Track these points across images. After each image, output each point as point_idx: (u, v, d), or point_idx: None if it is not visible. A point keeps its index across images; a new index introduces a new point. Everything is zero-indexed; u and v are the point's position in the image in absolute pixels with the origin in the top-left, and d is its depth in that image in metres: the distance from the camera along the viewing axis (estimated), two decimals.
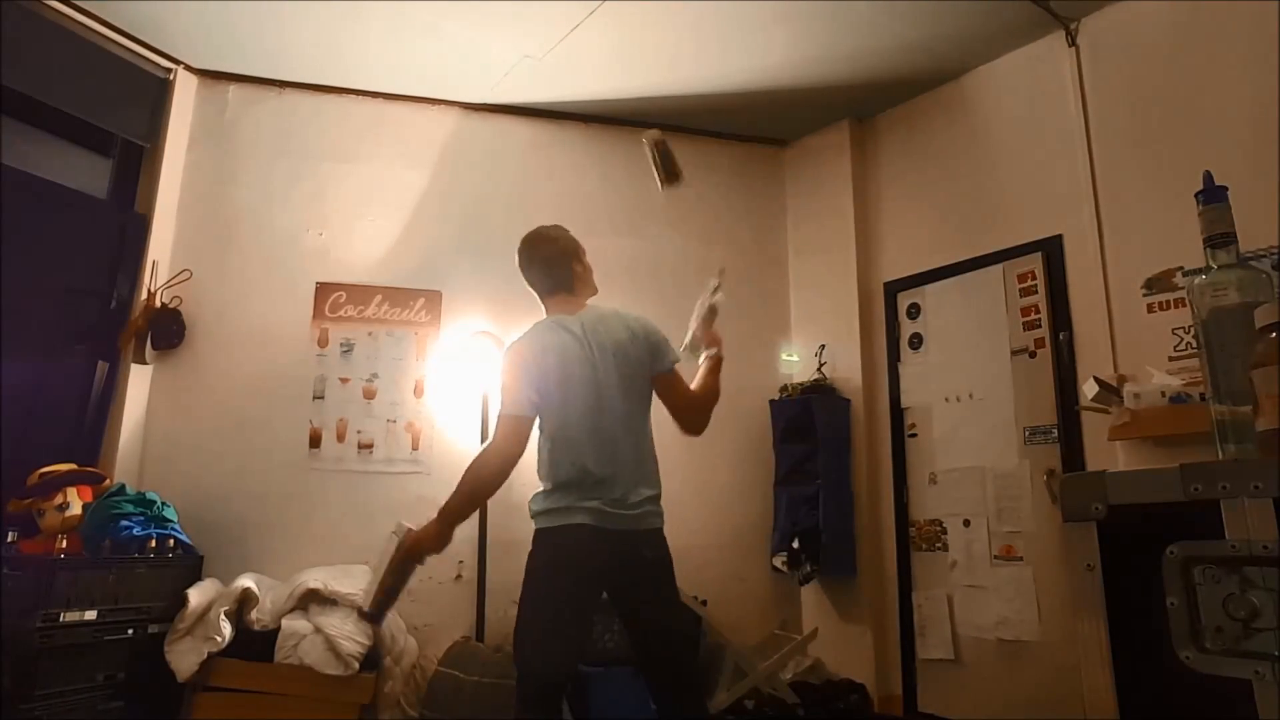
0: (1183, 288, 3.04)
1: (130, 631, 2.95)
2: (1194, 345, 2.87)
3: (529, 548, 2.16)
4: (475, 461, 2.14)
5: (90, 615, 2.83)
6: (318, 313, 3.92)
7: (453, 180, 4.22)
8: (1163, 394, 2.85)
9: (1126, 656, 0.91)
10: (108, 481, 3.28)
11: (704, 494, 4.15)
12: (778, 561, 4.02)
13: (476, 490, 2.16)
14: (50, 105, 3.45)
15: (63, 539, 2.98)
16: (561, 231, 2.41)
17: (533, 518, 2.17)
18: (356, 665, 3.04)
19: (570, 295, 2.35)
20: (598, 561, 2.09)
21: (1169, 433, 2.78)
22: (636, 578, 2.14)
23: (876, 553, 4.01)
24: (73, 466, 3.20)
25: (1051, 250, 3.56)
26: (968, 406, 3.77)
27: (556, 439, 2.16)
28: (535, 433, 2.21)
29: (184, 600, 3.02)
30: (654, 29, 3.64)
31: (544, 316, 2.32)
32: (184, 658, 2.94)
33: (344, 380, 3.89)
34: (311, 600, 3.17)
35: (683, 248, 4.47)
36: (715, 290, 2.43)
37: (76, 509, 3.08)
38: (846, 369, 4.25)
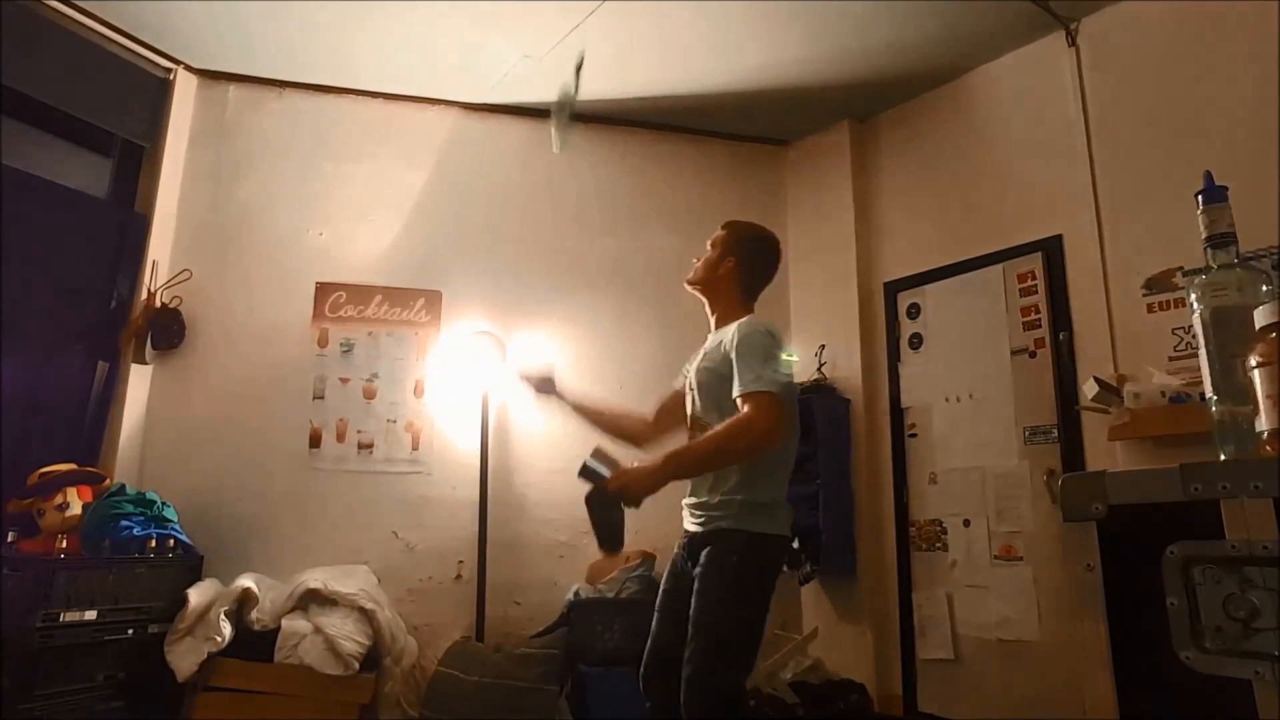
0: (1183, 288, 3.04)
1: (130, 631, 2.95)
2: (1194, 345, 2.87)
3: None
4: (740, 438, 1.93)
5: (90, 615, 2.83)
6: (318, 313, 3.92)
7: (453, 180, 4.22)
8: (1163, 394, 2.85)
9: (1126, 656, 0.91)
10: (108, 481, 3.28)
11: None
12: None
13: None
14: (50, 105, 3.45)
15: (63, 539, 2.98)
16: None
17: (750, 513, 2.00)
18: (356, 665, 3.04)
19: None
20: None
21: (1169, 433, 2.78)
22: None
23: (876, 553, 4.01)
24: (73, 466, 3.20)
25: (1051, 250, 3.56)
26: (968, 406, 3.77)
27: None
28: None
29: (184, 600, 3.02)
30: (654, 29, 3.64)
31: (750, 315, 2.19)
32: (184, 658, 2.94)
33: (344, 380, 3.88)
34: (311, 600, 3.17)
35: (683, 247, 4.45)
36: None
37: (76, 509, 3.08)
38: (846, 369, 4.25)
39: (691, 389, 2.19)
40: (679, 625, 2.01)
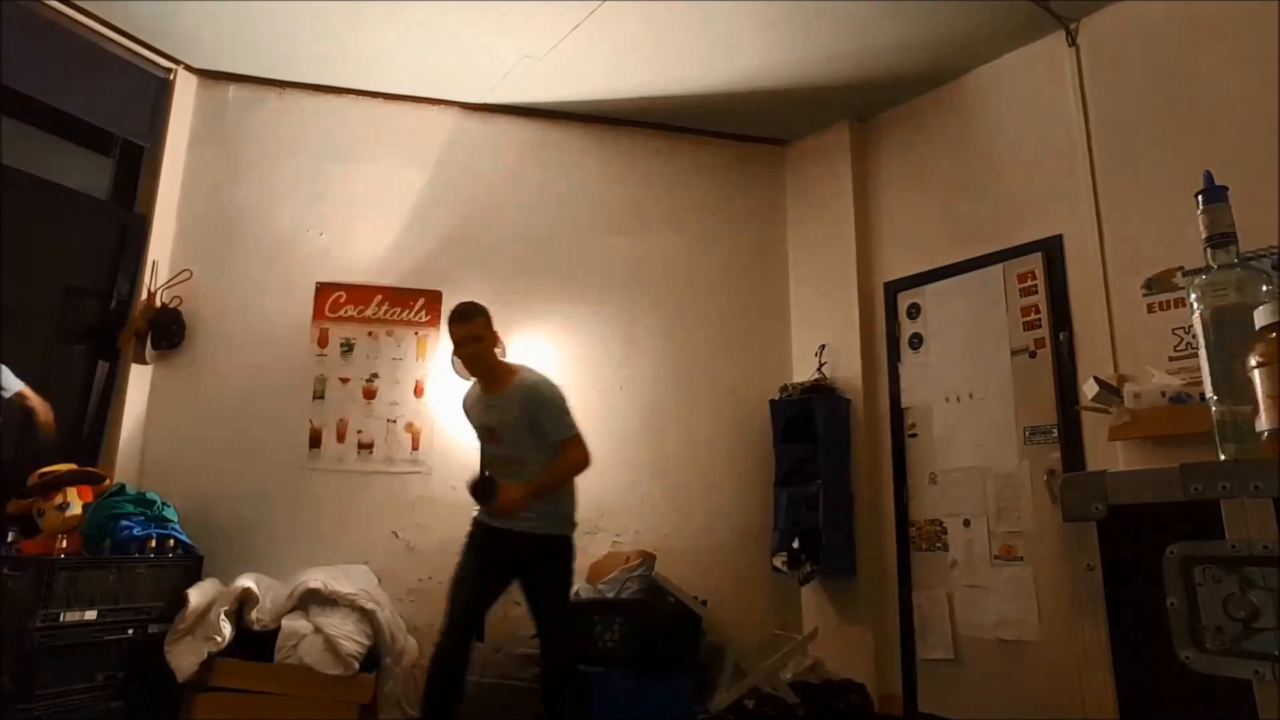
0: (1183, 288, 3.04)
1: (130, 631, 2.95)
2: (1194, 345, 2.87)
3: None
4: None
5: (90, 615, 2.83)
6: (318, 313, 3.92)
7: (453, 180, 4.22)
8: (1163, 394, 2.85)
9: (1126, 656, 0.91)
10: (108, 481, 3.28)
11: (704, 494, 4.15)
12: (778, 561, 4.02)
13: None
14: (50, 105, 3.45)
15: (63, 539, 2.98)
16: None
17: (569, 526, 2.77)
18: (356, 665, 3.04)
19: None
20: None
21: (1169, 433, 2.78)
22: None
23: (876, 553, 4.00)
24: (73, 466, 3.20)
25: (1051, 250, 3.55)
26: (968, 406, 3.77)
27: None
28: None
29: (184, 600, 3.02)
30: (654, 29, 3.64)
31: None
32: (184, 658, 2.94)
33: (344, 380, 3.88)
34: (311, 600, 3.16)
35: (683, 247, 4.47)
36: None
37: (76, 509, 3.08)
38: (846, 369, 4.24)
39: (499, 438, 2.77)
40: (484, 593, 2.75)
